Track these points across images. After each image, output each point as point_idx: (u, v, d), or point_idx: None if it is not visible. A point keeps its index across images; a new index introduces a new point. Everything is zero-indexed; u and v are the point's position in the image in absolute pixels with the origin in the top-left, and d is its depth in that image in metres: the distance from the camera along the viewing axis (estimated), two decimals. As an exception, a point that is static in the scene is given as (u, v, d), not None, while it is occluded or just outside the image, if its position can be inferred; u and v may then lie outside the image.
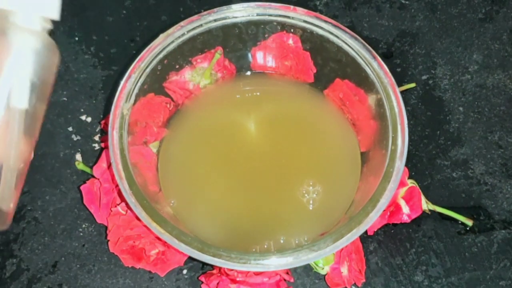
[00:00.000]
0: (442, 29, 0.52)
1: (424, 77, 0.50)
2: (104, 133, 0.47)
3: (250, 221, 0.41)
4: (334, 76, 0.43)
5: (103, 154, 0.44)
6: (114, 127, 0.37)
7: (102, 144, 0.46)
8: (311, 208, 0.40)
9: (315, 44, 0.42)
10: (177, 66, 0.43)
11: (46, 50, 0.27)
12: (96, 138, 0.47)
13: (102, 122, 0.47)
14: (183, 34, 0.41)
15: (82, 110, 0.49)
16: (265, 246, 0.38)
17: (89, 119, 0.48)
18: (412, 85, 0.49)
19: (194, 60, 0.44)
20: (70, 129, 0.48)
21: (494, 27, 0.52)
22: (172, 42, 0.40)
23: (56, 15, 0.27)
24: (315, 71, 0.45)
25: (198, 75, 0.44)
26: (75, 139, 0.47)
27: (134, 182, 0.36)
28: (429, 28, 0.52)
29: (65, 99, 0.49)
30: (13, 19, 0.26)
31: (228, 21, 0.41)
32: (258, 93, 0.46)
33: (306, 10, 0.41)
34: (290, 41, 0.44)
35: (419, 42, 0.52)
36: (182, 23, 0.41)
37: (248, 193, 0.42)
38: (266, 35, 0.43)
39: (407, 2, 0.54)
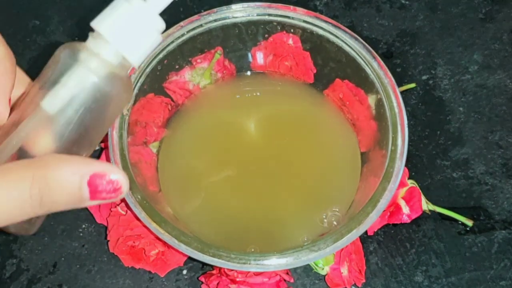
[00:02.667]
0: (442, 29, 0.52)
1: (424, 77, 0.50)
2: (104, 133, 0.47)
3: (249, 221, 0.41)
4: (334, 76, 0.43)
5: (103, 154, 0.44)
6: (114, 127, 0.37)
7: (102, 144, 0.46)
8: (311, 208, 0.40)
9: (315, 44, 0.42)
10: (177, 66, 0.43)
11: (111, 83, 0.26)
12: (96, 138, 0.47)
13: (102, 122, 0.47)
14: (183, 34, 0.41)
15: (82, 110, 0.48)
16: (265, 246, 0.38)
17: (89, 119, 0.48)
18: (412, 85, 0.49)
19: (194, 60, 0.44)
20: (70, 129, 0.48)
21: (494, 27, 0.52)
22: (172, 42, 0.40)
23: (135, 63, 0.27)
24: (315, 71, 0.45)
25: (198, 75, 0.44)
26: (75, 139, 0.47)
27: (134, 182, 0.36)
28: (429, 28, 0.52)
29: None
30: (91, 45, 0.26)
31: (228, 21, 0.41)
32: (258, 93, 0.46)
33: (306, 10, 0.41)
34: (290, 41, 0.43)
35: (419, 42, 0.52)
36: (182, 23, 0.41)
37: (248, 193, 0.42)
38: (266, 35, 0.43)
39: (407, 2, 0.54)
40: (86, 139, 0.28)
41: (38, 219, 0.28)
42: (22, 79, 0.29)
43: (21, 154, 0.26)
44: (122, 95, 0.28)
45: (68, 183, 0.24)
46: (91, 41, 0.26)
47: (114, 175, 0.25)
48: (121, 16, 0.25)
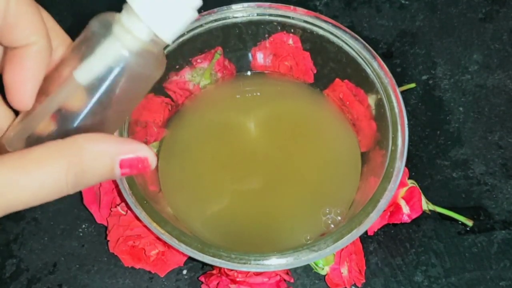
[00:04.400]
0: (442, 29, 0.52)
1: (424, 77, 0.50)
2: (104, 133, 0.47)
3: (249, 221, 0.41)
4: (334, 76, 0.43)
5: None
6: (114, 127, 0.37)
7: (102, 144, 0.46)
8: (311, 208, 0.40)
9: (315, 44, 0.42)
10: (177, 66, 0.43)
11: (143, 59, 0.26)
12: (96, 138, 0.47)
13: (102, 122, 0.47)
14: (183, 34, 0.41)
15: (82, 110, 0.48)
16: (265, 246, 0.38)
17: (89, 119, 0.48)
18: (412, 85, 0.49)
19: (194, 60, 0.44)
20: (70, 129, 0.48)
21: (494, 27, 0.52)
22: (172, 42, 0.40)
23: (168, 40, 0.27)
24: (315, 71, 0.45)
25: (198, 75, 0.44)
26: (75, 139, 0.47)
27: (134, 182, 0.36)
28: (429, 28, 0.52)
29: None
30: (124, 18, 0.26)
31: (228, 21, 0.41)
32: (258, 93, 0.46)
33: (306, 10, 0.41)
34: (290, 41, 0.43)
35: (419, 42, 0.52)
36: (182, 23, 0.41)
37: (248, 193, 0.42)
38: (266, 35, 0.43)
39: (407, 2, 0.54)
40: (116, 112, 0.28)
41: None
42: (64, 39, 0.29)
43: (57, 118, 0.27)
44: (153, 71, 0.28)
45: (102, 166, 0.25)
46: (124, 15, 0.26)
47: (143, 152, 0.26)
48: None
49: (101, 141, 0.25)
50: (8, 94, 0.27)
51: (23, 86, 0.27)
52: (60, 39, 0.29)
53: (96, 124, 0.27)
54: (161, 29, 0.26)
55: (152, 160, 0.26)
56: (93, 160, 0.24)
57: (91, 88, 0.26)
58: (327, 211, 0.40)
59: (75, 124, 0.27)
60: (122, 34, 0.26)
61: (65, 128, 0.27)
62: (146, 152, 0.26)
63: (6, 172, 0.23)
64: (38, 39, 0.26)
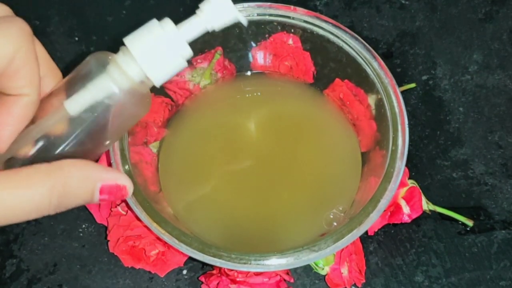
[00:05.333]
0: (442, 29, 0.52)
1: (424, 77, 0.50)
2: (104, 133, 0.47)
3: (250, 220, 0.41)
4: (334, 76, 0.43)
5: (103, 154, 0.44)
6: (114, 127, 0.37)
7: (102, 144, 0.46)
8: (312, 209, 0.40)
9: (315, 44, 0.42)
10: (177, 66, 0.43)
11: (131, 97, 0.28)
12: (96, 138, 0.47)
13: (102, 122, 0.47)
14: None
15: (82, 110, 0.48)
16: (266, 247, 0.38)
17: (89, 119, 0.48)
18: (412, 85, 0.49)
19: (194, 60, 0.44)
20: (70, 129, 0.48)
21: (494, 27, 0.52)
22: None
23: (157, 83, 0.29)
24: (315, 71, 0.45)
25: (198, 75, 0.44)
26: (75, 139, 0.47)
27: (134, 182, 0.36)
28: (429, 28, 0.52)
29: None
30: (120, 59, 0.28)
31: (229, 21, 0.41)
32: (258, 93, 0.46)
33: (306, 10, 0.41)
34: (290, 41, 0.43)
35: (419, 42, 0.52)
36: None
37: (248, 193, 0.42)
38: (266, 35, 0.43)
39: (407, 2, 0.54)
40: (99, 143, 0.30)
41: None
42: (56, 73, 0.31)
43: (41, 144, 0.28)
44: (139, 110, 0.30)
45: (84, 190, 0.27)
46: (120, 56, 0.28)
47: (122, 181, 0.28)
48: (152, 39, 0.28)
49: (85, 168, 0.27)
50: None
51: (3, 131, 0.28)
52: (52, 74, 0.30)
53: (79, 151, 0.29)
54: (153, 73, 0.28)
55: (130, 188, 0.29)
56: (76, 184, 0.26)
57: (79, 119, 0.28)
58: (328, 211, 0.40)
59: (58, 151, 0.28)
60: (115, 73, 0.28)
61: (48, 153, 0.28)
62: (125, 181, 0.29)
63: None
64: (31, 92, 0.27)
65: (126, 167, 0.36)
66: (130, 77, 0.28)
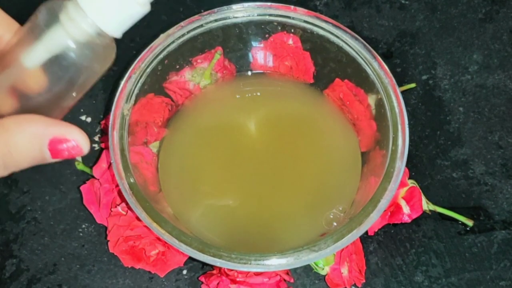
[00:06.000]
0: (442, 29, 0.52)
1: (424, 77, 0.50)
2: (104, 133, 0.47)
3: (250, 220, 0.41)
4: (334, 76, 0.43)
5: (103, 154, 0.44)
6: (115, 127, 0.37)
7: (102, 145, 0.46)
8: (312, 209, 0.40)
9: (315, 44, 0.42)
10: (177, 66, 0.43)
11: (86, 50, 0.27)
12: (96, 138, 0.47)
13: (102, 122, 0.47)
14: (183, 34, 0.41)
15: (82, 110, 0.49)
16: (266, 247, 0.38)
17: (89, 119, 0.48)
18: (412, 85, 0.49)
19: (194, 60, 0.44)
20: (70, 129, 0.48)
21: (494, 27, 0.52)
22: (173, 42, 0.40)
23: (113, 33, 0.27)
24: (315, 71, 0.45)
25: (198, 75, 0.44)
26: (75, 139, 0.47)
27: (134, 182, 0.36)
28: (429, 28, 0.52)
29: (65, 99, 0.49)
30: (70, 9, 0.27)
31: (229, 21, 0.41)
32: (258, 93, 0.46)
33: (306, 10, 0.41)
34: (290, 41, 0.43)
35: (419, 42, 0.52)
36: (182, 23, 0.41)
37: (248, 193, 0.42)
38: (266, 35, 0.43)
39: (407, 2, 0.54)
40: (63, 97, 0.29)
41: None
42: (11, 24, 0.30)
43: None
44: (100, 61, 0.29)
45: (29, 147, 0.26)
46: (70, 4, 0.26)
47: (73, 135, 0.27)
48: None
49: (29, 123, 0.26)
50: None
51: None
52: (6, 25, 0.29)
53: (43, 107, 0.28)
54: (105, 23, 0.26)
55: (83, 143, 0.27)
56: (20, 140, 0.25)
57: (39, 73, 0.27)
58: (328, 211, 0.40)
59: (20, 106, 0.27)
60: (68, 24, 0.26)
61: (9, 109, 0.27)
62: (76, 135, 0.27)
63: None
64: None
65: (126, 167, 0.36)
66: (84, 29, 0.26)
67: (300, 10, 0.41)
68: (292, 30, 0.42)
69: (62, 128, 0.26)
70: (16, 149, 0.25)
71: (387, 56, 0.51)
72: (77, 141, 0.27)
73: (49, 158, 0.26)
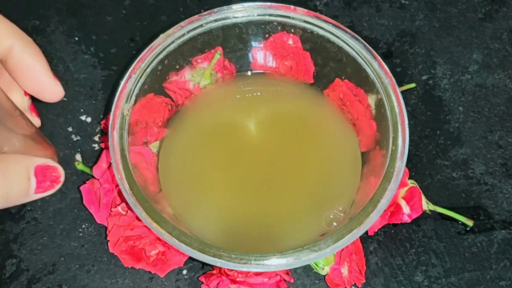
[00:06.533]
0: (442, 29, 0.52)
1: (424, 77, 0.50)
2: (104, 133, 0.47)
3: (250, 221, 0.41)
4: (334, 76, 0.43)
5: (103, 154, 0.44)
6: (115, 127, 0.37)
7: (102, 145, 0.46)
8: (312, 209, 0.40)
9: (315, 44, 0.42)
10: (177, 66, 0.43)
11: None
12: (96, 138, 0.47)
13: (102, 122, 0.47)
14: (183, 34, 0.41)
15: (82, 110, 0.49)
16: (266, 247, 0.38)
17: (89, 119, 0.48)
18: (412, 85, 0.49)
19: (194, 60, 0.44)
20: (70, 129, 0.48)
21: (494, 27, 0.52)
22: (173, 42, 0.40)
23: None
24: (315, 71, 0.45)
25: (198, 75, 0.44)
26: (74, 139, 0.47)
27: (134, 182, 0.36)
28: (429, 28, 0.52)
29: (65, 99, 0.49)
30: None
31: (229, 21, 0.41)
32: (258, 93, 0.46)
33: (306, 10, 0.41)
34: (290, 41, 0.43)
35: (419, 42, 0.52)
36: (182, 23, 0.41)
37: (248, 193, 0.42)
38: (266, 35, 0.43)
39: (406, 2, 0.54)
40: None
41: None
42: (11, 28, 0.32)
43: None
44: None
45: (20, 175, 0.29)
46: None
47: (53, 163, 0.31)
48: None
49: (14, 157, 0.29)
50: None
51: None
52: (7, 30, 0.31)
53: None
54: None
55: (62, 173, 0.32)
56: (12, 171, 0.28)
57: None
58: (328, 211, 0.40)
59: None
60: None
61: None
62: (55, 163, 0.31)
63: None
64: None
65: (126, 167, 0.36)
66: None
67: (300, 10, 0.41)
68: (292, 30, 0.42)
69: (43, 159, 0.30)
70: (11, 178, 0.28)
71: (387, 56, 0.51)
72: (57, 167, 0.31)
73: (33, 189, 0.29)
